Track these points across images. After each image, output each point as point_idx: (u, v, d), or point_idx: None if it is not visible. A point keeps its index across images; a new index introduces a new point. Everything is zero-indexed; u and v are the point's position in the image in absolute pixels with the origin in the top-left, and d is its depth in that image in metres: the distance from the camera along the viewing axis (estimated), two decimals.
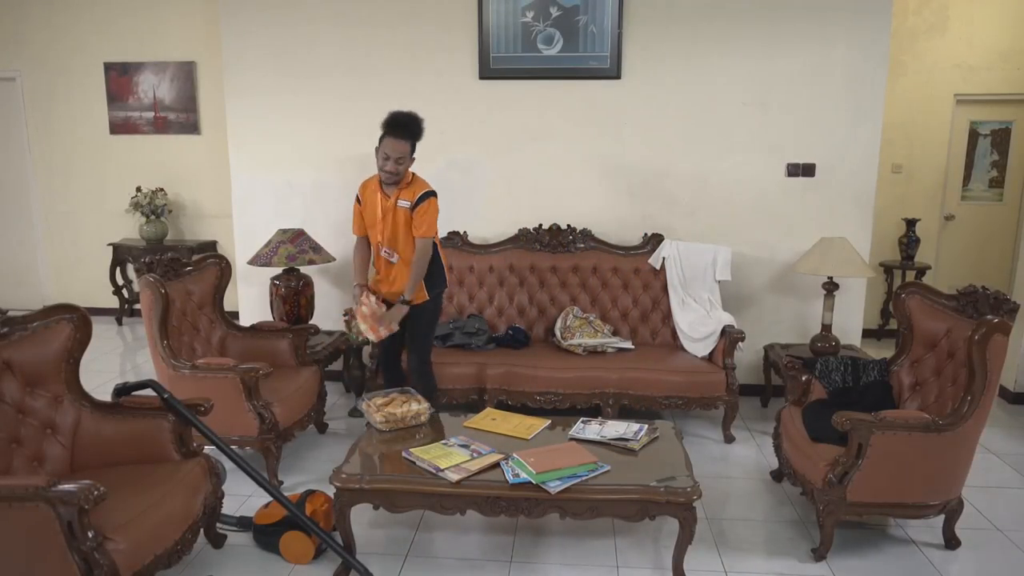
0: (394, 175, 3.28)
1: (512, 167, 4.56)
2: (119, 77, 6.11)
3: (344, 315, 3.63)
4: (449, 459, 2.65)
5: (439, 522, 3.05)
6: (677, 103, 4.39)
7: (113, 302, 6.29)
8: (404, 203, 3.37)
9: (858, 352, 4.28)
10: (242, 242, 4.76)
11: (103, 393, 2.79)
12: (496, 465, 2.63)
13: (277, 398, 3.40)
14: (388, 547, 2.90)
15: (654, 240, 4.44)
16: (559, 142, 4.51)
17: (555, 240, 4.50)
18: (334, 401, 4.36)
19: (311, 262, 4.34)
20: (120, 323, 6.29)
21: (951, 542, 2.92)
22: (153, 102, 6.12)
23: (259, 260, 4.34)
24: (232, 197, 4.79)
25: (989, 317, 2.69)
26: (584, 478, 2.53)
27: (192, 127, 6.13)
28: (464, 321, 4.33)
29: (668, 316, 4.34)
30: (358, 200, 3.51)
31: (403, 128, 3.24)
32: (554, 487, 2.47)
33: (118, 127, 6.20)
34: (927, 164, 5.85)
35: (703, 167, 4.43)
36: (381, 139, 3.26)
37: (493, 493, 2.54)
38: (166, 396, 2.62)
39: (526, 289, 4.48)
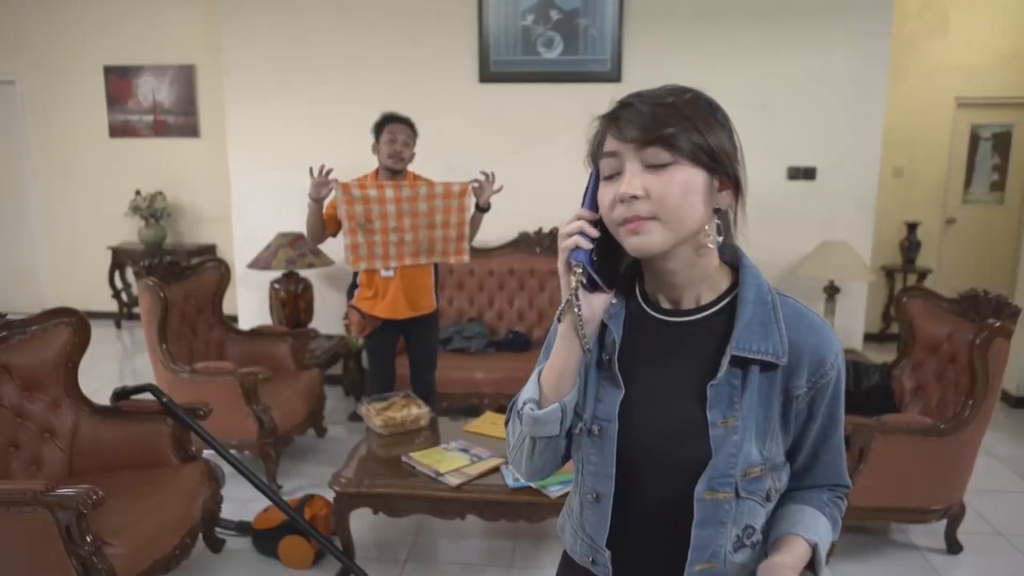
0: (401, 159, 3.10)
1: (512, 170, 4.52)
2: (118, 80, 6.11)
3: (344, 319, 3.60)
4: (449, 463, 2.64)
5: (439, 527, 3.04)
6: None
7: (112, 305, 6.27)
8: None
9: (859, 356, 4.27)
10: (241, 246, 4.75)
11: (102, 397, 2.78)
12: (496, 469, 2.62)
13: (276, 402, 3.39)
14: (387, 552, 2.89)
15: None
16: (559, 145, 4.50)
17: (555, 244, 4.49)
18: (333, 405, 4.34)
19: (311, 265, 4.34)
20: (119, 327, 6.28)
21: (953, 547, 2.90)
22: (152, 105, 6.12)
23: (259, 263, 4.34)
24: (231, 200, 4.79)
25: (991, 321, 2.68)
26: None
27: (191, 130, 6.13)
28: (464, 325, 4.32)
29: None
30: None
31: (403, 119, 3.16)
32: (555, 491, 2.46)
33: (117, 130, 6.20)
34: (928, 167, 5.85)
35: None
36: (382, 130, 3.12)
37: (493, 497, 2.53)
38: (165, 400, 2.61)
39: (526, 293, 4.47)
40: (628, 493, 1.02)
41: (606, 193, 0.96)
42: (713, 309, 1.01)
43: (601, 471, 1.03)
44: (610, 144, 0.96)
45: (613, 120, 0.97)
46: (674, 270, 0.98)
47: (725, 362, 0.96)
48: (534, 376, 1.05)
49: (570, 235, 0.96)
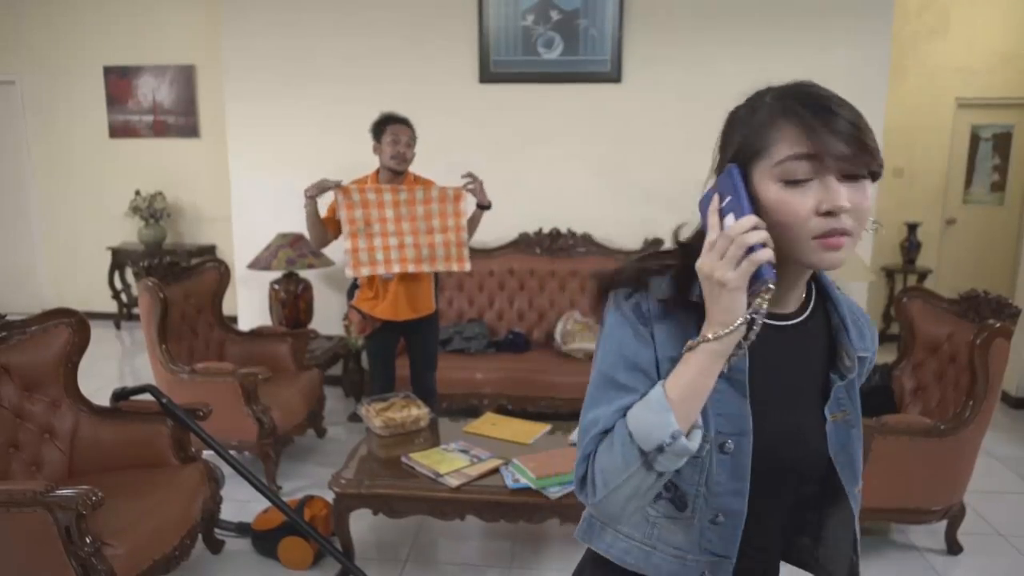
0: (404, 159, 3.12)
1: (512, 170, 4.55)
2: (118, 80, 6.11)
3: (344, 319, 3.59)
4: (448, 464, 2.64)
5: (438, 528, 3.04)
6: (677, 106, 4.38)
7: (112, 306, 6.27)
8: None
9: None
10: (241, 246, 4.75)
11: (101, 397, 2.78)
12: (496, 470, 2.62)
13: (276, 402, 3.39)
14: (387, 553, 2.89)
15: (654, 245, 4.42)
16: (559, 145, 4.51)
17: (555, 244, 4.49)
18: (333, 406, 4.34)
19: (310, 266, 4.33)
20: (119, 327, 6.27)
21: (953, 547, 2.90)
22: (152, 105, 6.12)
23: (259, 264, 4.33)
24: (231, 201, 4.79)
25: (991, 321, 2.68)
26: None
27: (191, 131, 6.12)
28: (464, 325, 4.32)
29: None
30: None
31: (403, 119, 3.16)
32: (554, 493, 2.46)
33: (117, 130, 6.19)
34: (928, 168, 5.85)
35: (704, 170, 4.40)
36: (383, 130, 3.12)
37: (493, 498, 2.53)
38: (164, 401, 2.60)
39: (526, 293, 4.47)
40: (754, 506, 0.99)
41: (802, 200, 0.87)
42: (808, 310, 1.03)
43: (730, 489, 0.97)
44: (803, 145, 0.88)
45: (815, 123, 0.88)
46: (805, 275, 0.99)
47: (854, 363, 1.02)
48: (661, 403, 0.90)
49: (752, 245, 0.84)
